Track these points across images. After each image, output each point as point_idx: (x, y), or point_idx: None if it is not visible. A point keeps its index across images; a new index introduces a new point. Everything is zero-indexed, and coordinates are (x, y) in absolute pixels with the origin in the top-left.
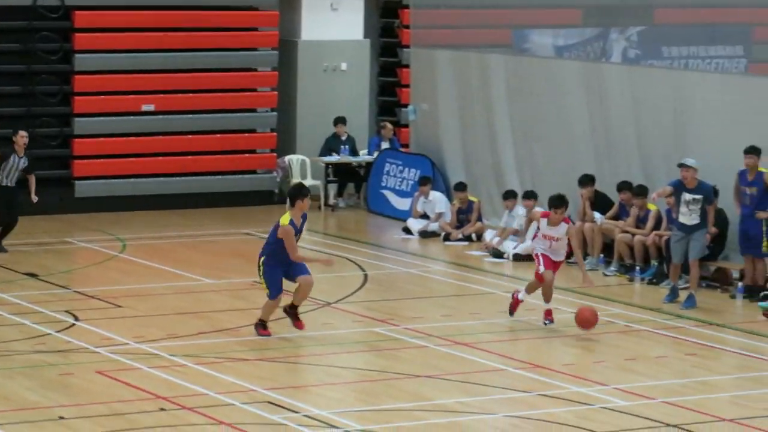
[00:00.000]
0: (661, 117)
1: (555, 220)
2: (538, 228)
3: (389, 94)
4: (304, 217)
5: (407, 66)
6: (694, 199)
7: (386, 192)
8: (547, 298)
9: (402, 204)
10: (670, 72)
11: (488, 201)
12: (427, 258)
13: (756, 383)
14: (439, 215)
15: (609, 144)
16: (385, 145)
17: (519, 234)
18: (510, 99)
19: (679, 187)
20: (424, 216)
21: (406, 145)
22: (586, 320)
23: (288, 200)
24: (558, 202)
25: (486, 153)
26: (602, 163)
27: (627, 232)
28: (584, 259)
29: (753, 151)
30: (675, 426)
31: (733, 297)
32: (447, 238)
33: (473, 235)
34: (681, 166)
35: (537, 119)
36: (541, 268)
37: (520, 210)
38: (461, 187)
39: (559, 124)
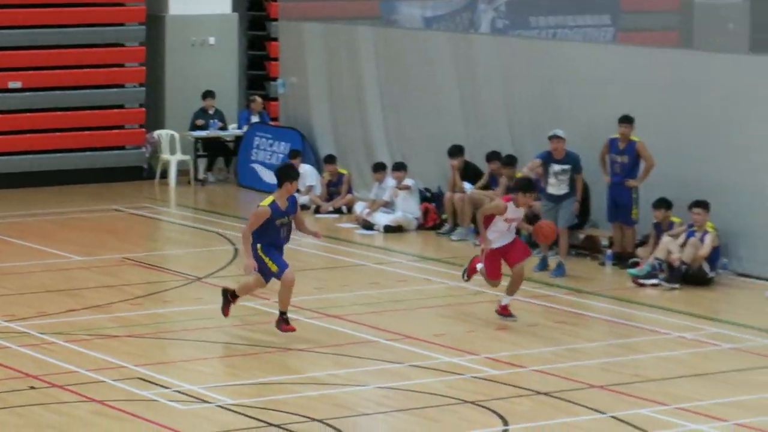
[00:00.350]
0: (530, 87)
1: (522, 204)
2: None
3: (258, 67)
4: (291, 200)
5: (276, 39)
6: (562, 170)
7: (256, 166)
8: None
9: (272, 178)
10: (538, 42)
11: (358, 173)
12: (298, 231)
13: (625, 349)
14: (310, 188)
15: (478, 115)
16: (254, 118)
17: (389, 205)
18: (379, 71)
19: (547, 159)
20: None
21: (276, 119)
22: (544, 235)
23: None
24: (530, 187)
25: (355, 125)
26: (471, 133)
27: None
28: (454, 229)
29: (627, 120)
30: (545, 393)
31: (602, 264)
32: (317, 210)
33: (343, 208)
34: (552, 137)
35: (406, 91)
36: (481, 266)
37: (389, 182)
38: (331, 159)
39: (429, 96)
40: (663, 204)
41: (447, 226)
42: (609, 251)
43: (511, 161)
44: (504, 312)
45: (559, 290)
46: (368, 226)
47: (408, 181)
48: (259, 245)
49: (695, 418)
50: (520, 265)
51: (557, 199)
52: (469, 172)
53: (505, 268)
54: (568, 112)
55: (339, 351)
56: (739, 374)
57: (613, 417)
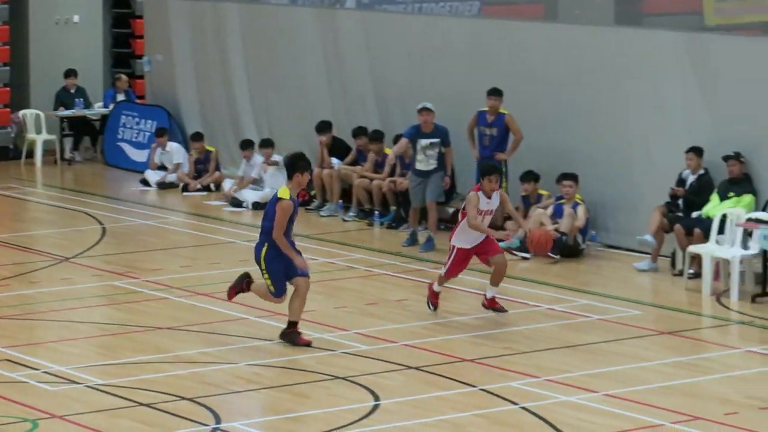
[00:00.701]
0: (397, 62)
1: (489, 190)
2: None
3: (123, 45)
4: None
5: (140, 17)
6: (431, 144)
7: (123, 144)
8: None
9: (139, 156)
10: (403, 16)
11: (226, 150)
12: (166, 209)
13: (494, 323)
14: (177, 166)
15: (345, 90)
16: (120, 97)
17: (257, 182)
18: (245, 48)
19: (416, 133)
20: (162, 167)
21: (142, 97)
22: (540, 245)
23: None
24: (491, 169)
25: (222, 103)
26: (339, 109)
27: (365, 177)
28: (323, 205)
29: (495, 92)
30: (416, 368)
31: None
32: (185, 188)
33: (212, 185)
34: (421, 110)
35: (273, 68)
36: (445, 269)
37: (257, 158)
38: (198, 137)
39: (295, 72)
40: (531, 177)
41: (316, 202)
42: None
43: (377, 136)
44: (492, 305)
45: (429, 265)
46: (237, 203)
47: (276, 157)
48: (266, 248)
49: (565, 389)
50: (500, 255)
51: (426, 174)
52: (337, 148)
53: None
54: (435, 87)
55: (209, 329)
56: (608, 345)
57: (483, 390)
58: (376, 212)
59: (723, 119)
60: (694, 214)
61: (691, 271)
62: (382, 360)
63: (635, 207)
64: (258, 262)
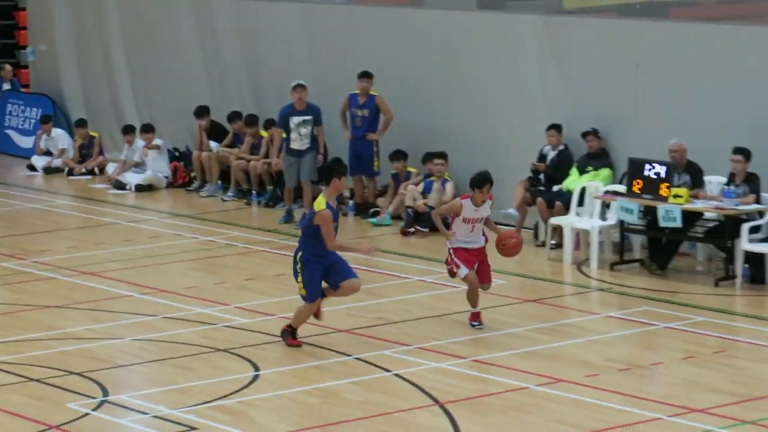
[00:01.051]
0: (271, 48)
1: (479, 200)
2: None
3: (7, 36)
4: (338, 199)
5: (24, 9)
6: (303, 121)
7: (10, 132)
8: (474, 302)
9: (25, 142)
10: (278, 4)
11: (109, 136)
12: (52, 193)
13: (369, 294)
14: (62, 151)
15: (222, 77)
16: (6, 86)
17: (139, 165)
18: (125, 37)
19: (289, 112)
20: (48, 153)
21: (27, 86)
22: (512, 247)
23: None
24: (482, 181)
25: (104, 90)
26: (216, 94)
27: (242, 158)
28: (203, 186)
29: (366, 75)
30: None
31: (345, 215)
32: (71, 173)
33: (96, 169)
34: (295, 87)
35: (152, 56)
36: (463, 271)
37: (139, 143)
38: (82, 123)
39: (174, 60)
40: (400, 155)
41: (196, 183)
42: (351, 202)
43: (252, 120)
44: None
45: None
46: (120, 185)
47: (157, 141)
48: (300, 254)
49: (435, 356)
50: (485, 285)
51: (300, 154)
52: (215, 132)
53: None
54: (309, 72)
55: (95, 307)
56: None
57: (358, 359)
58: (254, 192)
59: (581, 98)
60: (555, 188)
61: (553, 241)
62: (262, 332)
63: (500, 182)
64: (294, 270)
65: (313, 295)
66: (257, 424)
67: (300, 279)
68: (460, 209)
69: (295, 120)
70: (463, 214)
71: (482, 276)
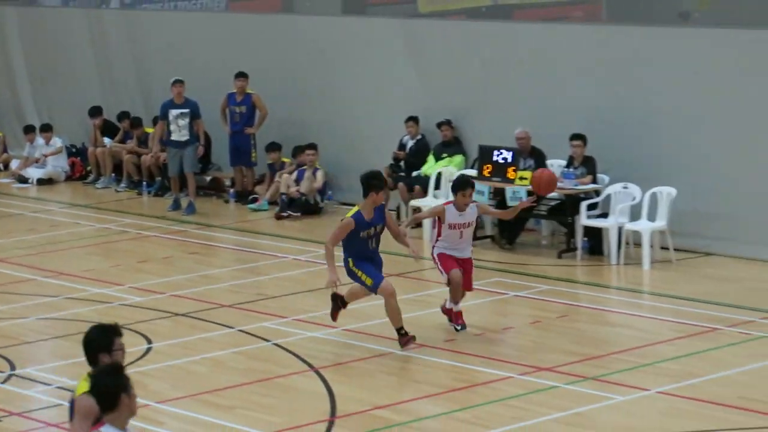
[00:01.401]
0: (157, 53)
1: (462, 204)
2: (439, 224)
3: None
4: (379, 210)
5: None
6: (181, 113)
7: None
8: (456, 298)
9: None
10: (162, 13)
11: (12, 135)
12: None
13: (249, 273)
14: None
15: (112, 79)
16: None
17: (40, 161)
18: (24, 45)
19: (169, 105)
20: None
21: None
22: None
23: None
24: (464, 185)
25: (6, 93)
26: (108, 95)
27: (133, 153)
28: (98, 178)
29: (242, 75)
30: (183, 314)
31: (226, 202)
32: None
33: (0, 165)
34: (174, 83)
35: (50, 62)
36: (444, 276)
37: (39, 140)
38: None
39: (70, 65)
40: (275, 147)
41: (92, 176)
42: (232, 190)
43: (137, 122)
44: (449, 313)
45: (191, 226)
46: (23, 179)
47: (57, 142)
48: (350, 259)
49: (310, 327)
50: (456, 270)
51: (181, 145)
52: (108, 129)
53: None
54: (192, 74)
55: (3, 290)
56: (345, 288)
57: (241, 330)
58: (144, 183)
59: (436, 92)
60: (414, 173)
61: None
62: (154, 309)
63: (364, 169)
64: (349, 275)
65: (377, 279)
66: (151, 392)
67: (360, 274)
68: (442, 213)
69: (173, 113)
70: (448, 220)
71: (464, 283)
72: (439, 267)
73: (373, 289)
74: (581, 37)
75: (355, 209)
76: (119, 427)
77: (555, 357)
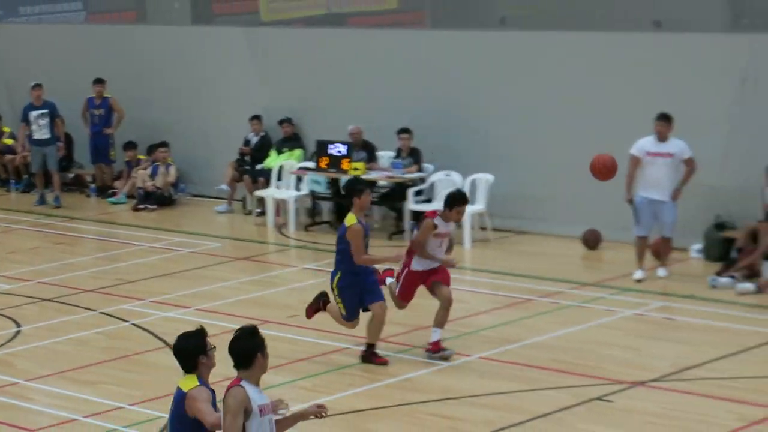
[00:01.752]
0: (27, 66)
1: (454, 218)
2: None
3: None
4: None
5: None
6: (41, 114)
7: None
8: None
9: None
10: (27, 26)
11: None
12: None
13: (110, 260)
14: None
15: None
16: None
17: None
18: None
19: (28, 107)
20: None
21: None
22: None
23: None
24: (462, 201)
25: None
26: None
27: None
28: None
29: (99, 81)
30: (48, 300)
31: (88, 196)
32: None
33: None
34: (33, 87)
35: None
36: (389, 280)
37: None
38: None
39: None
40: (131, 145)
41: None
42: (93, 186)
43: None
44: (436, 348)
45: (56, 219)
46: None
47: None
48: (338, 276)
49: (166, 307)
50: (447, 289)
51: (43, 143)
52: None
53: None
54: (54, 80)
55: None
56: (197, 271)
57: (102, 313)
58: (11, 180)
59: (277, 92)
60: (258, 167)
61: (259, 210)
62: (23, 295)
63: (213, 164)
64: (332, 289)
65: (351, 315)
66: (20, 370)
67: (339, 300)
68: (433, 227)
69: (33, 114)
70: (437, 230)
71: (443, 277)
72: (398, 289)
73: (346, 320)
74: (408, 41)
75: (353, 217)
76: (254, 383)
77: (388, 329)
